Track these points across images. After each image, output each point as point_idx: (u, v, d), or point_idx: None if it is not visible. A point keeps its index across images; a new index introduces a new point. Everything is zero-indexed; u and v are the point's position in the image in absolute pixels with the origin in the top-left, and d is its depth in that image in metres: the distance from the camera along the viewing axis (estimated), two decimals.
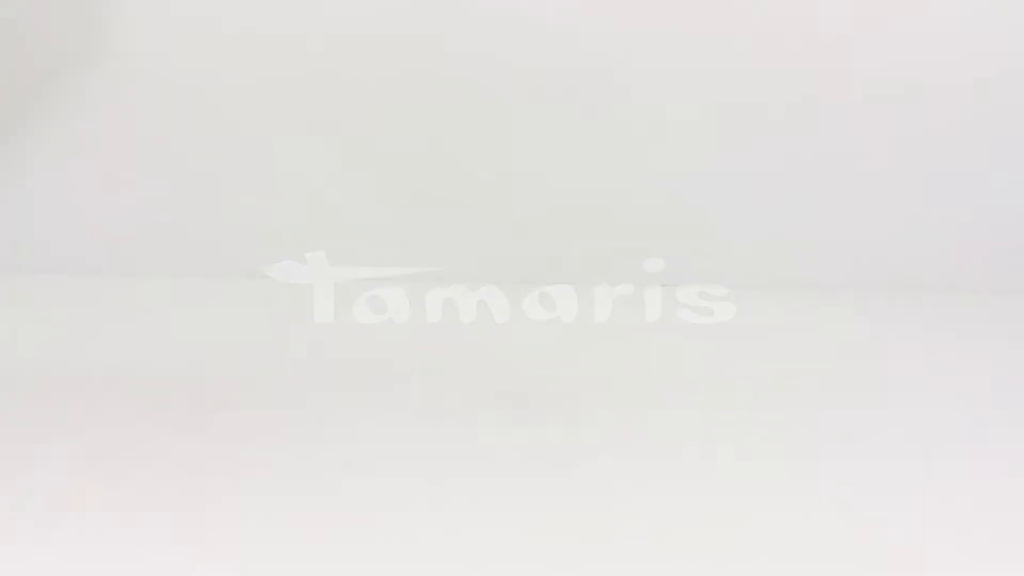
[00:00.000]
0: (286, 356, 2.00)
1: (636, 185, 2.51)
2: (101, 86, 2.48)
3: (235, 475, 1.64)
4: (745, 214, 2.50)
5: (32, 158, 2.48)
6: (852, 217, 2.51)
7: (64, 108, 2.48)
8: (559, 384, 1.97)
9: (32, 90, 2.47)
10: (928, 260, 2.51)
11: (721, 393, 1.94)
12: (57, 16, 2.46)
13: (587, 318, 2.32)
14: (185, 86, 2.48)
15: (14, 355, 2.03)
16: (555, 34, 2.48)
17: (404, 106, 2.50)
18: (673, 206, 2.50)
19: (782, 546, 1.44)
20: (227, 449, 1.69)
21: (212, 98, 2.49)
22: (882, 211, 2.52)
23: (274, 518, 1.50)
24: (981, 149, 2.50)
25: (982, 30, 2.47)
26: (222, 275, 2.50)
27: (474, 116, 2.49)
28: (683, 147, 2.50)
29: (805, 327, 2.30)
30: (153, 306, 2.30)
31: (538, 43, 2.47)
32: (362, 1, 2.49)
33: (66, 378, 1.91)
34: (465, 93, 2.49)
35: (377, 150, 2.51)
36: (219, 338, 2.12)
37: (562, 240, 2.52)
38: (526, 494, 1.59)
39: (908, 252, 2.52)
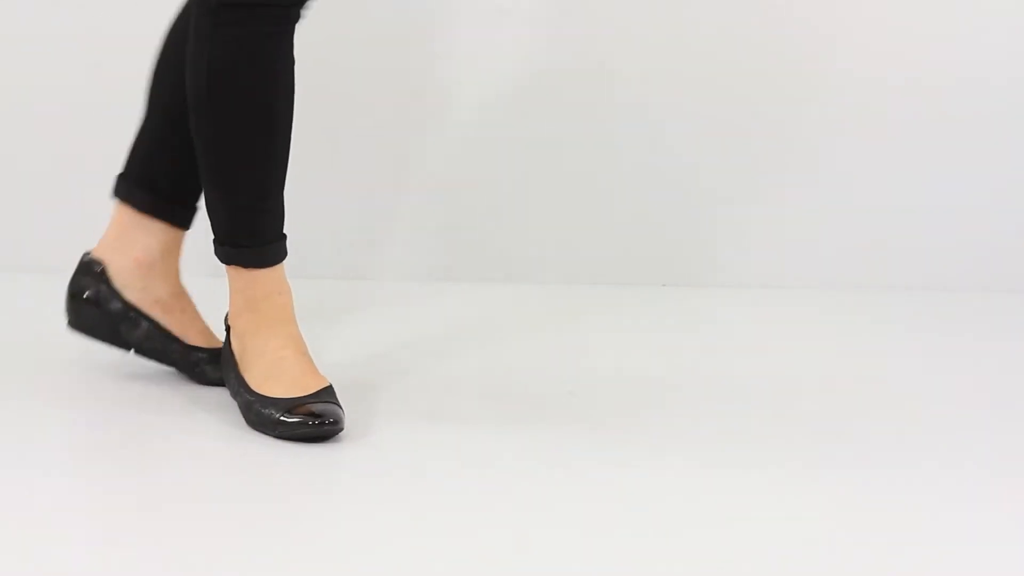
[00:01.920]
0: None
1: (637, 185, 2.52)
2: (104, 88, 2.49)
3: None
4: (745, 214, 2.51)
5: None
6: (851, 217, 2.52)
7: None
8: (564, 383, 1.97)
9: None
10: (928, 260, 2.52)
11: (722, 392, 1.95)
12: None
13: (591, 318, 2.33)
14: None
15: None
16: (554, 35, 2.48)
17: (406, 105, 2.50)
18: (675, 206, 2.51)
19: (789, 546, 1.45)
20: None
21: None
22: (882, 211, 2.52)
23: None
24: (982, 149, 2.51)
25: (983, 31, 2.48)
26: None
27: (476, 117, 2.50)
28: (684, 147, 2.50)
29: (806, 327, 2.30)
30: None
31: (538, 44, 2.48)
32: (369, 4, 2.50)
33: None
34: (468, 93, 2.49)
35: (380, 151, 2.51)
36: None
37: (563, 240, 2.53)
38: (532, 495, 1.59)
39: (908, 252, 2.52)
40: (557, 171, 2.51)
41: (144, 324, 1.88)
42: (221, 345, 1.87)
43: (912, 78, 2.49)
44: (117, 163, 2.48)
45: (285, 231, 1.81)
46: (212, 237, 1.80)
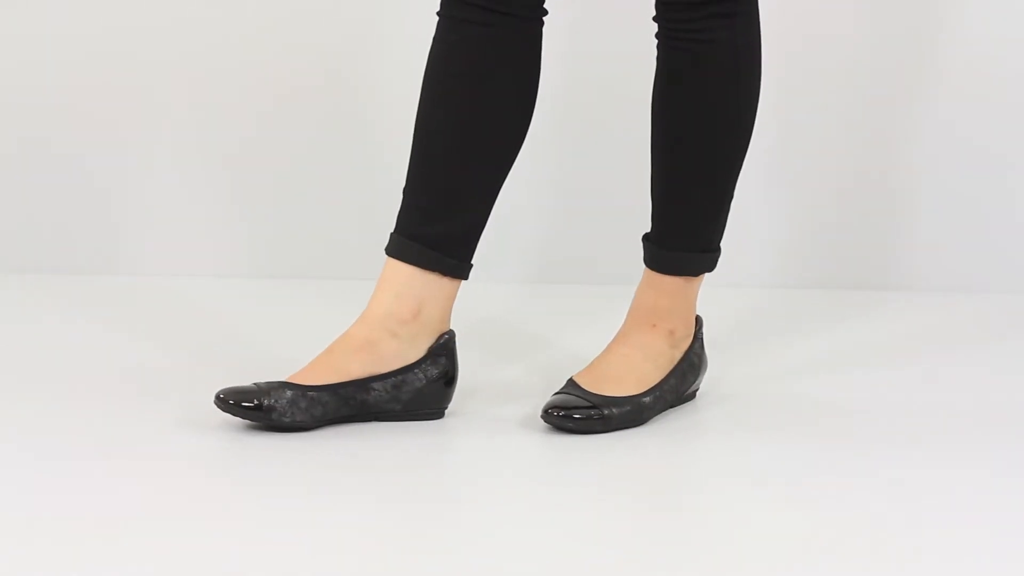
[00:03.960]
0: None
1: (635, 185, 2.52)
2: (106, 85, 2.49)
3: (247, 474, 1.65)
4: (744, 214, 2.50)
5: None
6: (851, 217, 2.52)
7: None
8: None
9: None
10: (929, 260, 2.51)
11: (719, 393, 1.95)
12: None
13: (591, 318, 2.32)
14: (201, 84, 2.49)
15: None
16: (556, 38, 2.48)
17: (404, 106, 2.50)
18: None
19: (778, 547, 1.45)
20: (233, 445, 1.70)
21: (220, 98, 2.49)
22: (883, 211, 2.52)
23: None
24: (982, 149, 2.50)
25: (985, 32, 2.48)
26: (226, 275, 2.50)
27: None
28: None
29: (806, 327, 2.30)
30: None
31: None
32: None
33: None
34: None
35: (382, 151, 2.51)
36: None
37: (564, 240, 2.53)
38: (538, 495, 1.59)
39: (911, 252, 2.52)
40: (557, 171, 2.51)
41: None
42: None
43: (912, 79, 2.48)
44: (117, 162, 2.49)
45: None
46: None
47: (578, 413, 1.76)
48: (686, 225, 1.84)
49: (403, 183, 1.80)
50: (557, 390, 1.80)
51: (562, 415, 1.75)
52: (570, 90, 2.47)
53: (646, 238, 1.86)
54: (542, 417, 1.76)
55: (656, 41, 1.81)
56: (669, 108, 1.82)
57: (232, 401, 1.71)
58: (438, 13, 1.76)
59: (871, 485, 1.63)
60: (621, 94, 2.50)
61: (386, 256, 1.78)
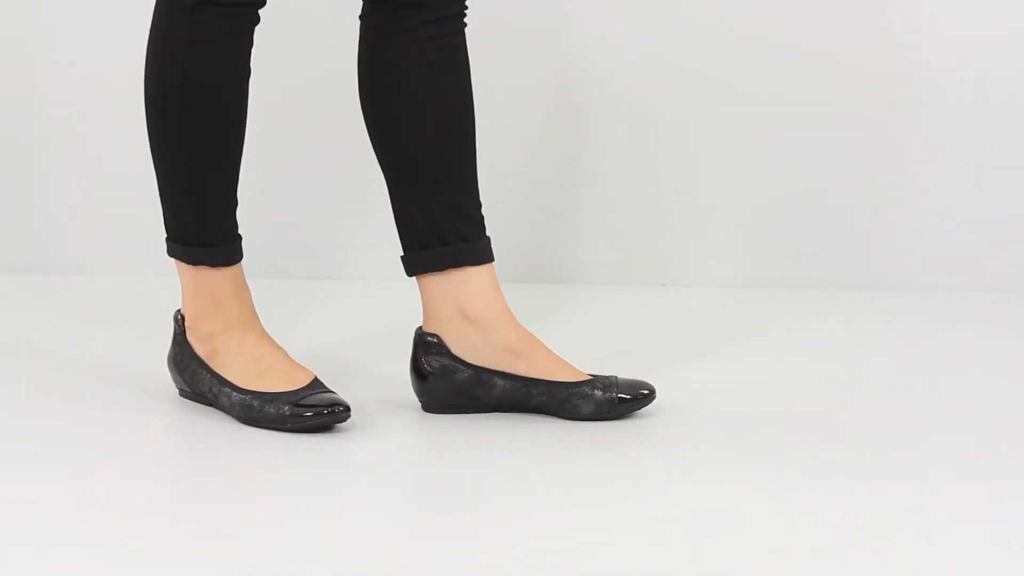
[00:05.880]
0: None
1: (636, 185, 2.51)
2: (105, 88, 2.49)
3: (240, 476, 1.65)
4: (745, 214, 2.50)
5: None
6: (852, 217, 2.52)
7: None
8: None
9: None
10: (929, 260, 2.52)
11: (717, 394, 1.95)
12: None
13: (589, 317, 2.33)
14: None
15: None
16: (555, 39, 2.48)
17: None
18: (673, 206, 2.51)
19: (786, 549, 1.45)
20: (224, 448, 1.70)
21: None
22: (883, 211, 2.52)
23: None
24: (981, 148, 2.50)
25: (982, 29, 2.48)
26: None
27: (479, 117, 2.50)
28: (683, 147, 2.50)
29: (805, 327, 2.30)
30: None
31: (538, 48, 2.47)
32: None
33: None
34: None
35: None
36: None
37: (561, 240, 2.53)
38: (525, 492, 1.60)
39: (909, 252, 2.52)
40: (554, 170, 2.51)
41: (499, 382, 1.80)
42: (588, 377, 1.80)
43: (912, 79, 2.49)
44: (117, 162, 2.49)
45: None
46: (166, 238, 1.80)
47: (645, 389, 1.82)
48: (477, 205, 1.85)
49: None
50: (597, 377, 1.81)
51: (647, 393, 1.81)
52: (577, 91, 2.47)
53: (466, 238, 1.82)
54: (628, 404, 1.80)
55: (402, 37, 1.81)
56: (447, 98, 1.84)
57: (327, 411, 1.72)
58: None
59: (869, 485, 1.63)
60: (621, 94, 2.50)
61: (213, 266, 1.78)
